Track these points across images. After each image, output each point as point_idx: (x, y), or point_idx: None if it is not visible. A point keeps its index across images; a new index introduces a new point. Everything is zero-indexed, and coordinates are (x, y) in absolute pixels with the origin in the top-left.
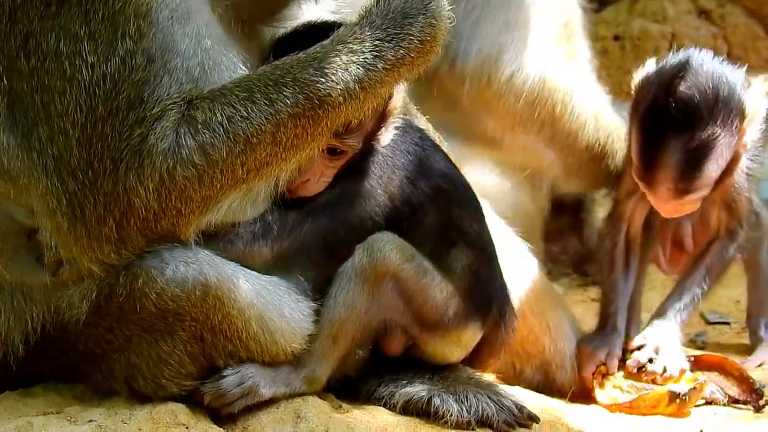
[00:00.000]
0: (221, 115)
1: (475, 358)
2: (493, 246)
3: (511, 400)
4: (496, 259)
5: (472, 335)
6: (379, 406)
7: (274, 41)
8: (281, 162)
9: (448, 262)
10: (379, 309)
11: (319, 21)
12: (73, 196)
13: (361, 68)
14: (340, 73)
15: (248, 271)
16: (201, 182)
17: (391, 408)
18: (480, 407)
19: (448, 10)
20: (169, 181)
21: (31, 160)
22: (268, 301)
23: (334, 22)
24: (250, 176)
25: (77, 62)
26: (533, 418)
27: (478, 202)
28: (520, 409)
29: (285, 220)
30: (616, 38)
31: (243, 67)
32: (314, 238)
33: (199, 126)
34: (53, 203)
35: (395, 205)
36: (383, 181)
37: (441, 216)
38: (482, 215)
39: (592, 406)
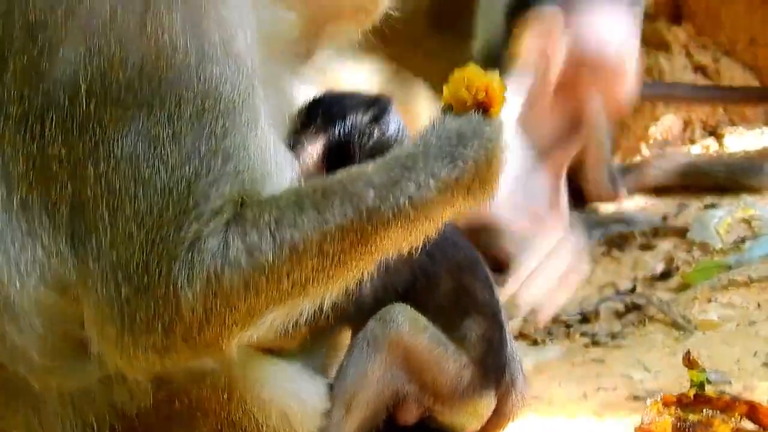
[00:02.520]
0: (269, 217)
1: (484, 426)
2: (502, 313)
3: None
4: (506, 325)
5: (487, 404)
6: None
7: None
8: (328, 280)
9: (462, 331)
10: (392, 380)
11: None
12: (125, 302)
13: (412, 184)
14: (390, 188)
15: (274, 362)
16: (246, 289)
17: None
18: None
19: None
20: (215, 283)
21: (86, 267)
22: (289, 392)
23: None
24: (295, 291)
25: (156, 164)
26: None
27: (487, 271)
28: None
29: None
30: None
31: (293, 173)
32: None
33: (248, 227)
34: (105, 311)
35: (414, 276)
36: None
37: (454, 284)
38: (492, 284)
39: None
